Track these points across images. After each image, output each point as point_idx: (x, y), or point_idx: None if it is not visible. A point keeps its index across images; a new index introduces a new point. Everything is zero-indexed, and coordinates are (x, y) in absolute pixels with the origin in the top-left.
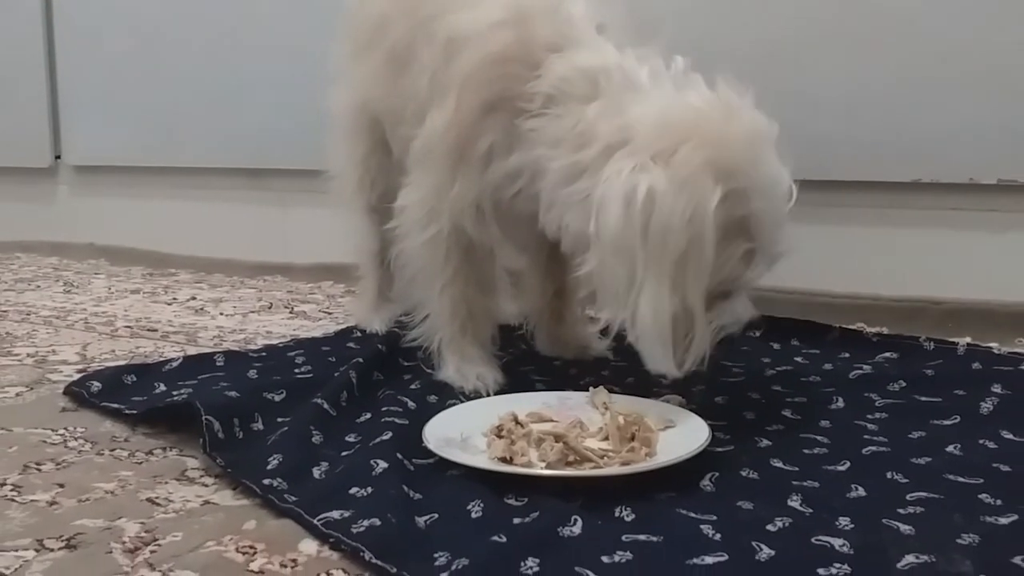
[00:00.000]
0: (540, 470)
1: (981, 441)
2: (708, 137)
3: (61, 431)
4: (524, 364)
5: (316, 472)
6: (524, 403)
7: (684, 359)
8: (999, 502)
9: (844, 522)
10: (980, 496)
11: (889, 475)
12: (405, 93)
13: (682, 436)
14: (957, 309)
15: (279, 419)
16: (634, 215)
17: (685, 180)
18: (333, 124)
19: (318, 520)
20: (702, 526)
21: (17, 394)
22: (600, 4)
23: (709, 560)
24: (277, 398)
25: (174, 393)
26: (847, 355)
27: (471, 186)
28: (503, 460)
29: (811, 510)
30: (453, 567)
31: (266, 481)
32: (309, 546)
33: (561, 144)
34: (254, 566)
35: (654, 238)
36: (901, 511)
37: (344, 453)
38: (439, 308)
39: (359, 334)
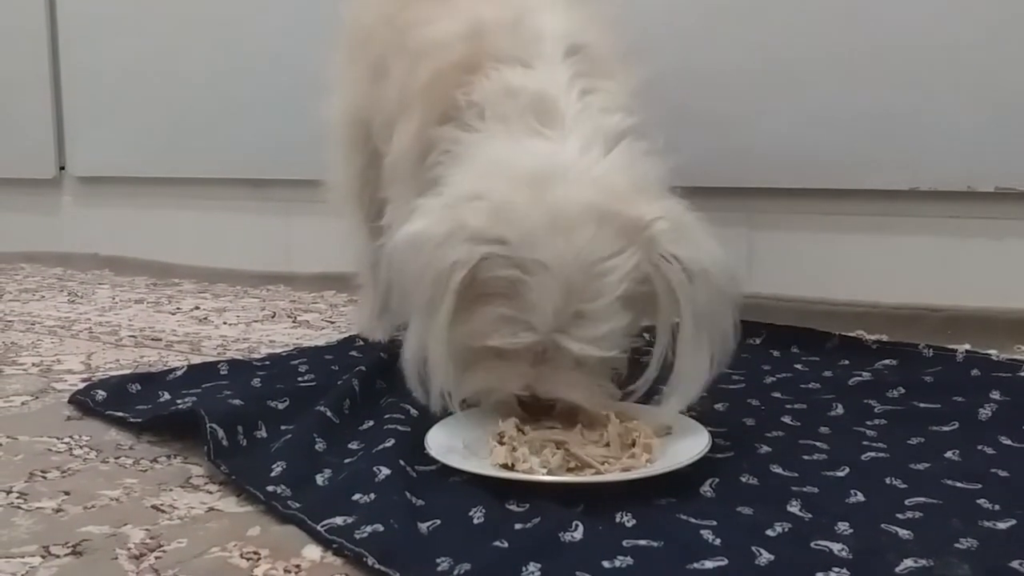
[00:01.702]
0: (541, 476)
1: (980, 447)
2: (496, 201)
3: (66, 439)
4: None
5: (319, 479)
6: None
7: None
8: (997, 507)
9: (843, 527)
10: (978, 501)
11: (888, 481)
12: (380, 104)
13: (682, 442)
14: (956, 316)
15: (283, 427)
16: (399, 259)
17: (440, 239)
18: (329, 134)
19: (321, 526)
20: (702, 531)
21: (23, 403)
22: (585, 25)
23: (709, 565)
24: (280, 406)
25: (178, 401)
26: (846, 362)
27: None
28: (505, 466)
29: (810, 515)
30: (455, 572)
31: (270, 488)
32: (313, 552)
33: (456, 161)
34: (258, 572)
35: (409, 285)
36: (900, 516)
37: (347, 460)
38: None
39: (361, 343)
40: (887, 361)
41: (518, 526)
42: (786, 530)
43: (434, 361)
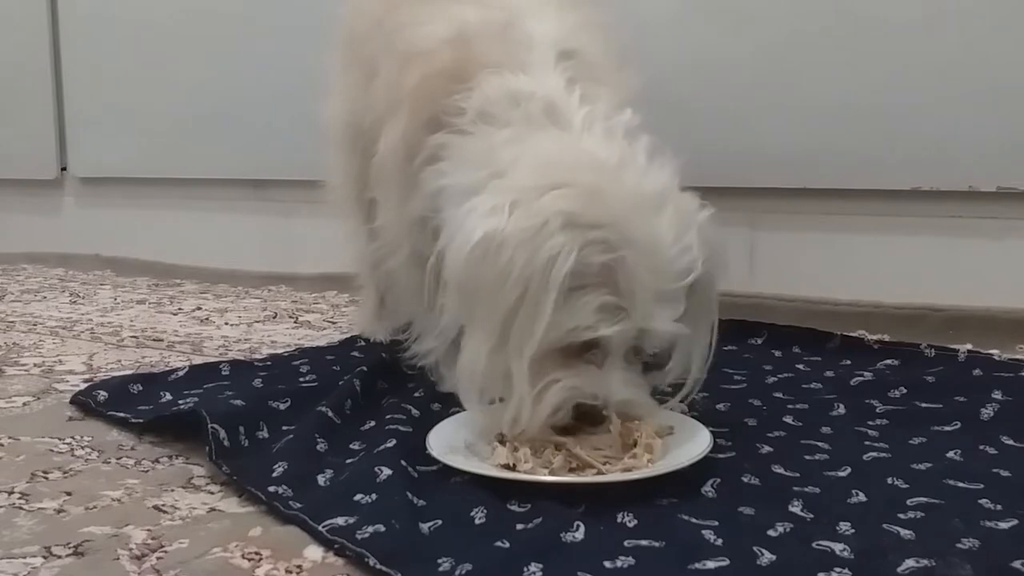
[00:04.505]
0: (543, 476)
1: (981, 447)
2: (583, 187)
3: (68, 440)
4: None
5: (321, 479)
6: None
7: (505, 415)
8: (999, 507)
9: (845, 527)
10: (980, 501)
11: (890, 480)
12: (371, 105)
13: (684, 442)
14: (957, 316)
15: (284, 427)
16: (472, 261)
17: (531, 231)
18: (327, 137)
19: (323, 526)
20: (704, 531)
21: (24, 404)
22: (576, 30)
23: (711, 565)
24: (282, 406)
25: (180, 402)
26: (848, 362)
27: (419, 205)
28: (506, 467)
29: (812, 515)
30: (456, 572)
31: (271, 488)
32: (314, 552)
33: (465, 163)
34: (260, 572)
35: (487, 288)
36: (902, 516)
37: (348, 460)
38: (427, 327)
39: (363, 343)
40: (889, 361)
41: (520, 526)
42: (788, 530)
43: (519, 368)
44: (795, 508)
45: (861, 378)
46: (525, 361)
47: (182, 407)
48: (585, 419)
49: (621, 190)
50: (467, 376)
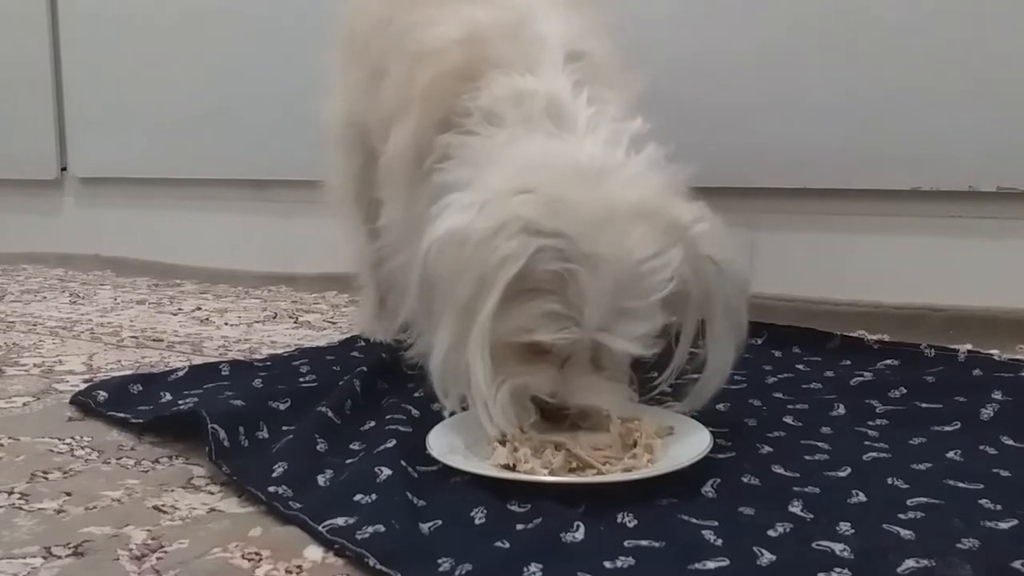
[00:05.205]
0: (543, 477)
1: (982, 447)
2: (549, 194)
3: (68, 440)
4: None
5: (321, 479)
6: None
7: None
8: (999, 507)
9: (845, 527)
10: (980, 501)
11: (890, 481)
12: (377, 104)
13: (684, 442)
14: (957, 316)
15: (284, 427)
16: (434, 256)
17: (490, 232)
18: (327, 137)
19: (323, 527)
20: (704, 532)
21: (24, 404)
22: (584, 32)
23: (711, 565)
24: (282, 407)
25: (180, 402)
26: (848, 362)
27: (424, 204)
28: (506, 467)
29: (812, 515)
30: (456, 572)
31: (271, 488)
32: (314, 552)
33: (467, 163)
34: (260, 572)
35: (446, 283)
36: (902, 516)
37: (348, 460)
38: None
39: (363, 343)
40: (889, 361)
41: (520, 526)
42: (788, 530)
43: (475, 364)
44: (795, 508)
45: (861, 378)
46: (478, 357)
47: (182, 407)
48: (552, 417)
49: (590, 200)
50: (436, 368)
